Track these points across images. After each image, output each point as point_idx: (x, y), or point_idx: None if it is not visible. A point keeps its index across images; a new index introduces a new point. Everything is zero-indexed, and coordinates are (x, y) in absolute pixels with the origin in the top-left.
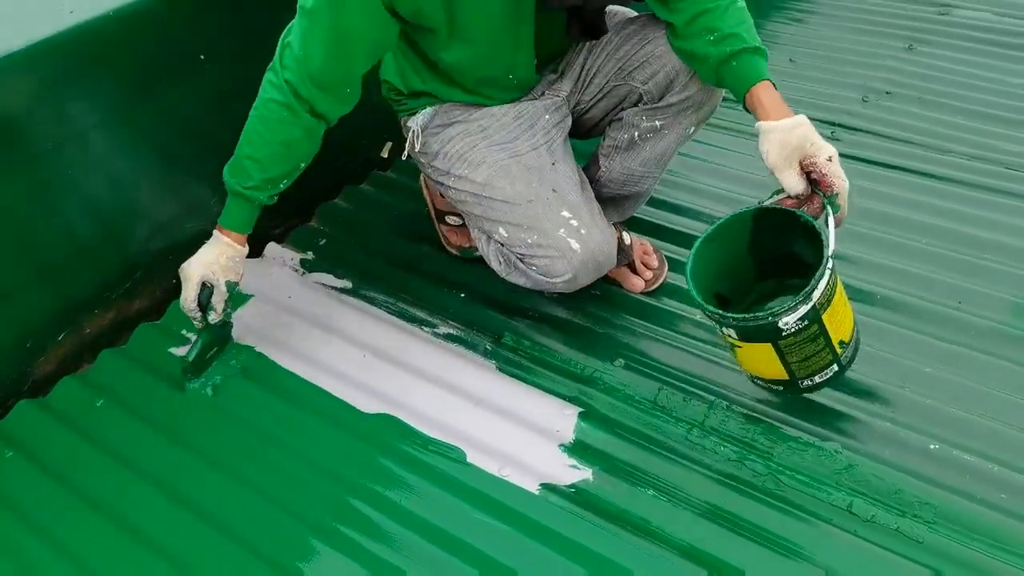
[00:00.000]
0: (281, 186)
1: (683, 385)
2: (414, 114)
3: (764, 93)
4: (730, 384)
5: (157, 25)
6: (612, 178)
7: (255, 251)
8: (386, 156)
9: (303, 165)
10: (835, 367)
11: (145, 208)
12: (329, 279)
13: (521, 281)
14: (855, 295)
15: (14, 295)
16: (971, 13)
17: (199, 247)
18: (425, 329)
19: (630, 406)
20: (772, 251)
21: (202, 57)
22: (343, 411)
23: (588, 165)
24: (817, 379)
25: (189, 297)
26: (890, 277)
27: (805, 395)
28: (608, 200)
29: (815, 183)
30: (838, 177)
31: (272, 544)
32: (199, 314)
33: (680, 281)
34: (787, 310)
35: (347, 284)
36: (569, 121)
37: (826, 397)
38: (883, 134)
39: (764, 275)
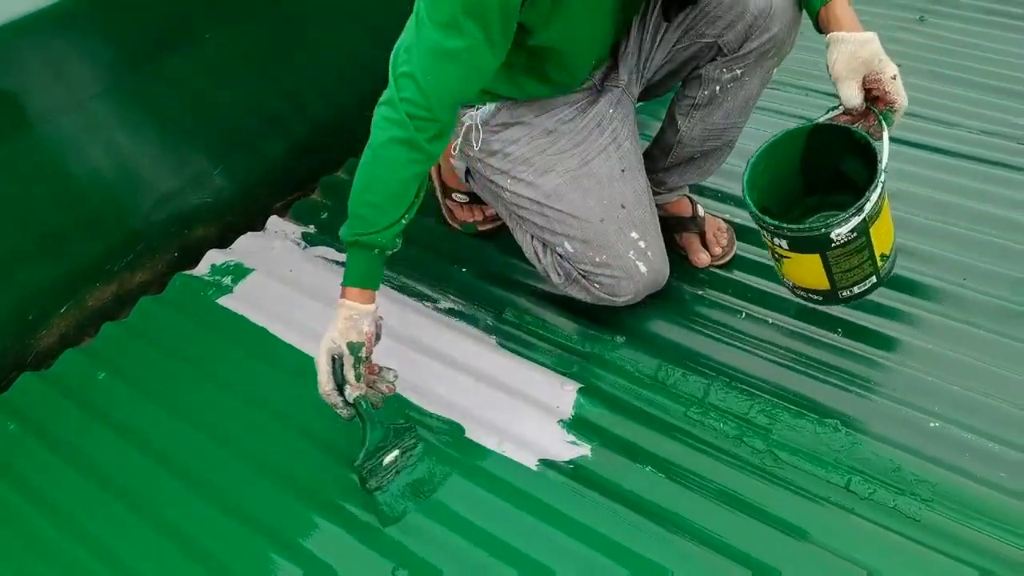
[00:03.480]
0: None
1: (683, 361)
2: (470, 107)
3: (840, 6)
4: (730, 360)
5: None
6: (694, 136)
7: (257, 225)
8: None
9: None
10: (874, 279)
11: (147, 179)
12: (331, 252)
13: (580, 295)
14: None
15: (16, 267)
16: None
17: (201, 220)
18: (426, 304)
19: (630, 382)
20: (820, 168)
21: (204, 28)
22: None
23: (663, 129)
24: (856, 290)
25: (322, 380)
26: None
27: (842, 305)
28: (688, 160)
29: (873, 100)
30: (900, 95)
31: (271, 517)
32: (339, 398)
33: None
34: (840, 222)
35: None
36: (633, 110)
37: (827, 373)
38: None
39: (809, 191)
